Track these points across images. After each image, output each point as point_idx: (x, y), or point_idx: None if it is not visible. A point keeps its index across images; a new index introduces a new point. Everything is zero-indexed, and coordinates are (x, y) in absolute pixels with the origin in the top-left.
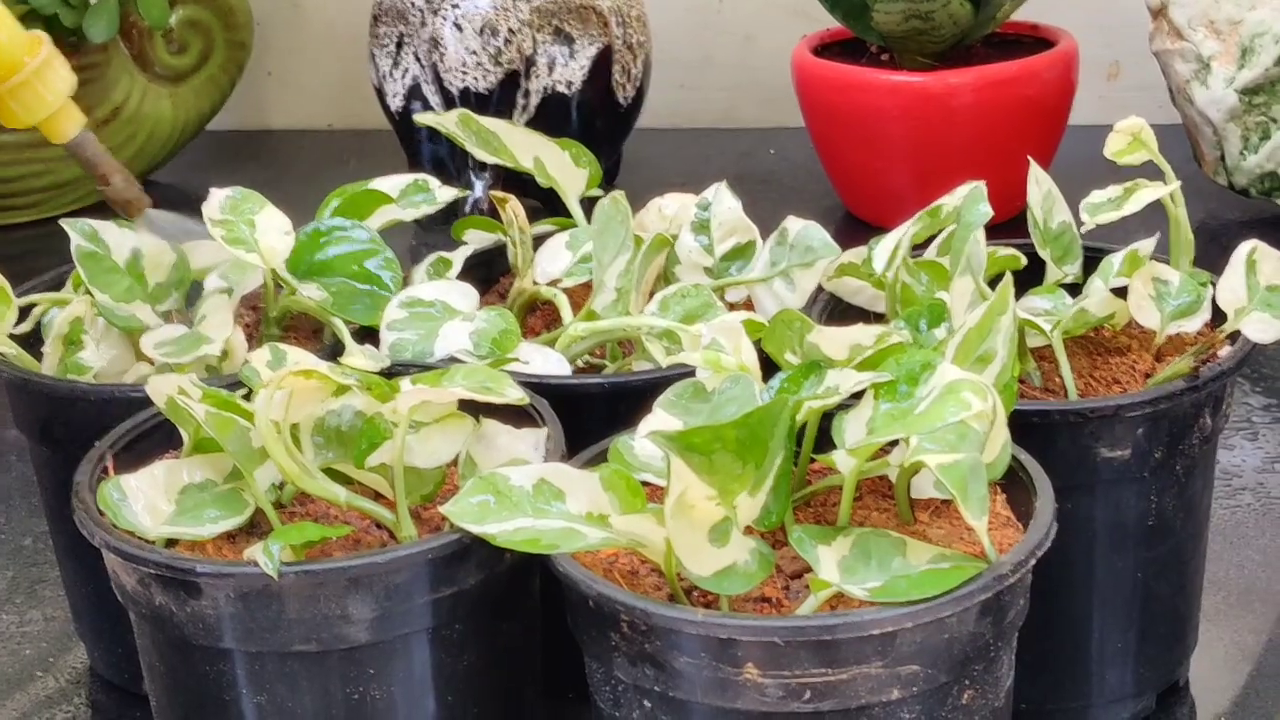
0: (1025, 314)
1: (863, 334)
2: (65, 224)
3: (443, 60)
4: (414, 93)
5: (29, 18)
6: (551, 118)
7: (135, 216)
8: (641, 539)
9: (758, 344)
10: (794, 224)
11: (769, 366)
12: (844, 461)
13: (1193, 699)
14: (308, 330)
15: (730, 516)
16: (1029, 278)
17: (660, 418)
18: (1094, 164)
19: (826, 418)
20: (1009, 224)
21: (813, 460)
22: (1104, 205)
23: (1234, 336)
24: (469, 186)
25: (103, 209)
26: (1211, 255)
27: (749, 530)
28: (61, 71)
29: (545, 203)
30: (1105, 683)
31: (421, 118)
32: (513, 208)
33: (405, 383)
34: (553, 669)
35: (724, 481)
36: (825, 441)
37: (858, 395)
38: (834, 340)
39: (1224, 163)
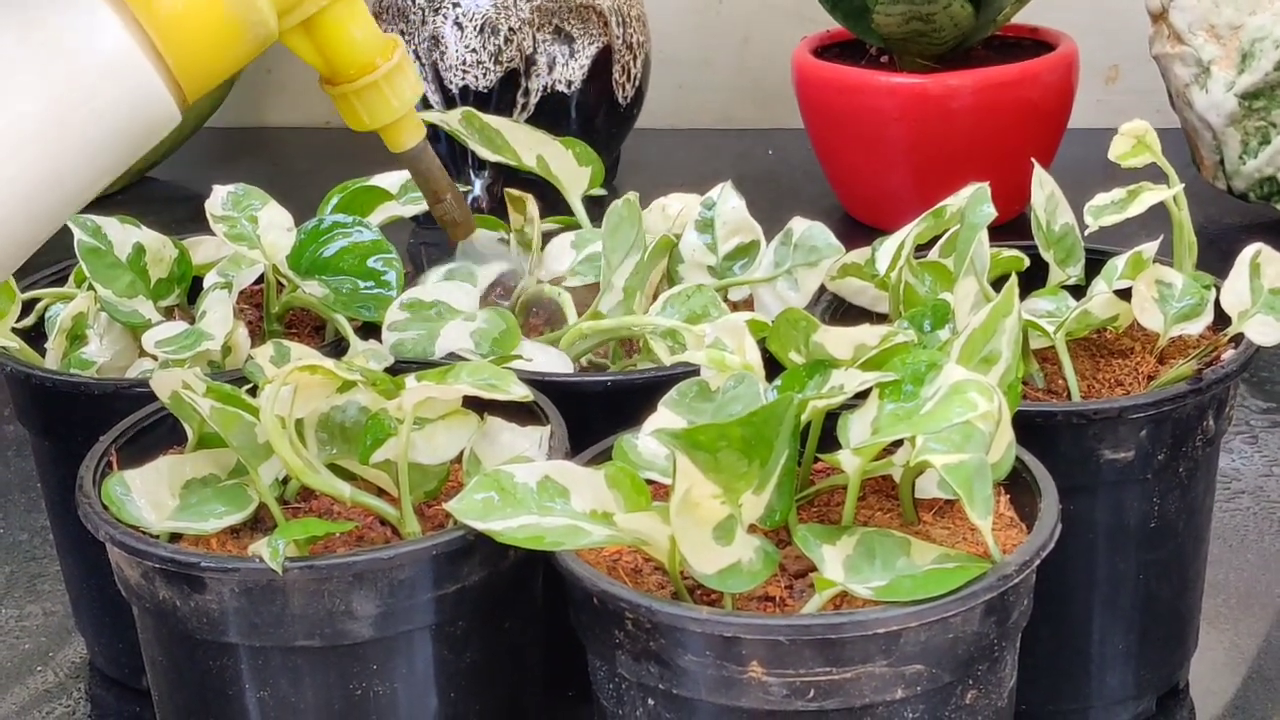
0: (1028, 316)
1: (868, 334)
2: (68, 219)
3: (443, 59)
4: None
5: None
6: (551, 117)
7: (461, 239)
8: (646, 537)
9: (761, 343)
10: (799, 224)
11: (772, 366)
12: (848, 461)
13: (1192, 702)
14: (309, 327)
15: (735, 514)
16: (1031, 280)
17: (665, 416)
18: (1092, 167)
19: (831, 417)
20: (1007, 226)
21: (817, 460)
22: (1108, 208)
23: (1237, 339)
24: (468, 184)
25: (103, 204)
26: (1210, 259)
27: (753, 529)
28: (410, 78)
29: (546, 202)
30: (1105, 685)
31: (425, 115)
32: (530, 207)
33: (410, 379)
34: (555, 667)
35: (729, 480)
36: (829, 441)
37: (862, 395)
38: (839, 340)
39: (1223, 167)
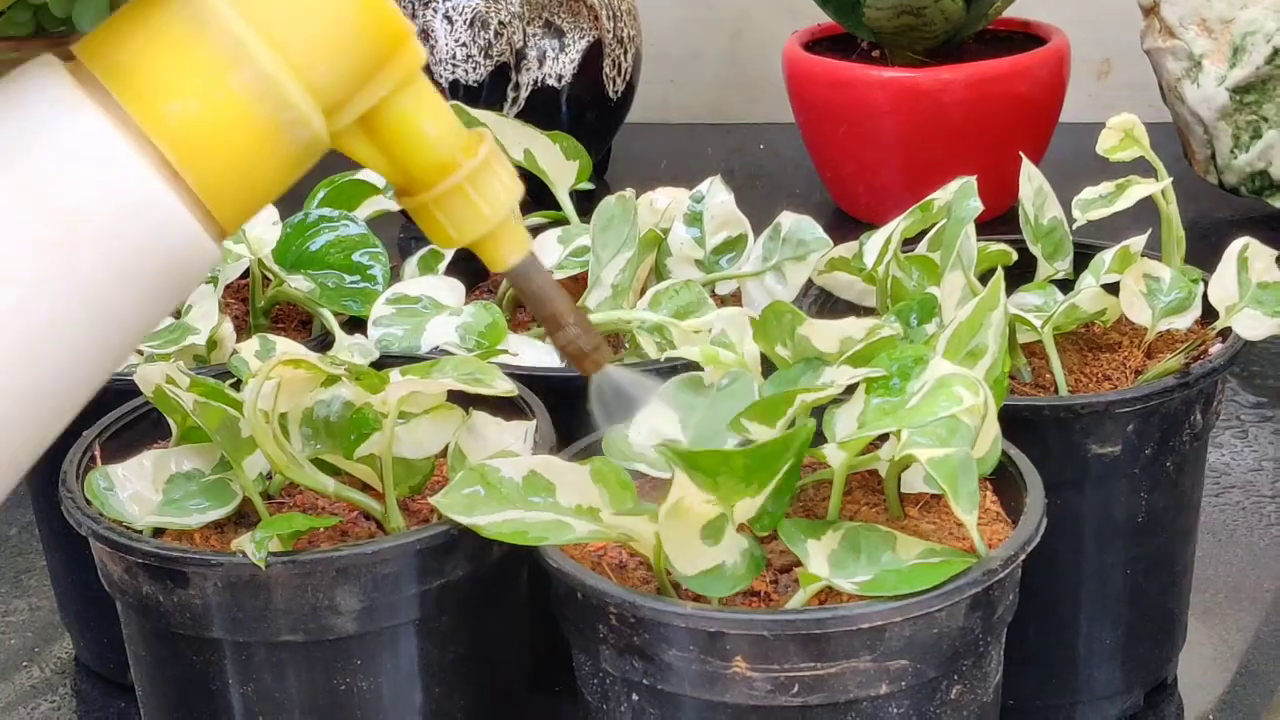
0: (1016, 310)
1: (854, 327)
2: None
3: (433, 53)
4: None
5: (17, 6)
6: (541, 111)
7: (592, 373)
8: (632, 533)
9: None
10: (787, 218)
11: (766, 362)
12: (834, 455)
13: (1180, 697)
14: (296, 321)
15: (726, 514)
16: (1019, 274)
17: (659, 411)
18: (1083, 161)
19: (816, 411)
20: (997, 220)
21: None
22: (1095, 201)
23: (1225, 333)
24: None
25: None
26: (1201, 253)
27: (742, 527)
28: (504, 179)
29: (533, 196)
30: (1093, 679)
31: None
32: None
33: (395, 374)
34: (540, 662)
35: (726, 495)
36: (815, 435)
37: (849, 389)
38: (825, 333)
39: (1214, 161)
